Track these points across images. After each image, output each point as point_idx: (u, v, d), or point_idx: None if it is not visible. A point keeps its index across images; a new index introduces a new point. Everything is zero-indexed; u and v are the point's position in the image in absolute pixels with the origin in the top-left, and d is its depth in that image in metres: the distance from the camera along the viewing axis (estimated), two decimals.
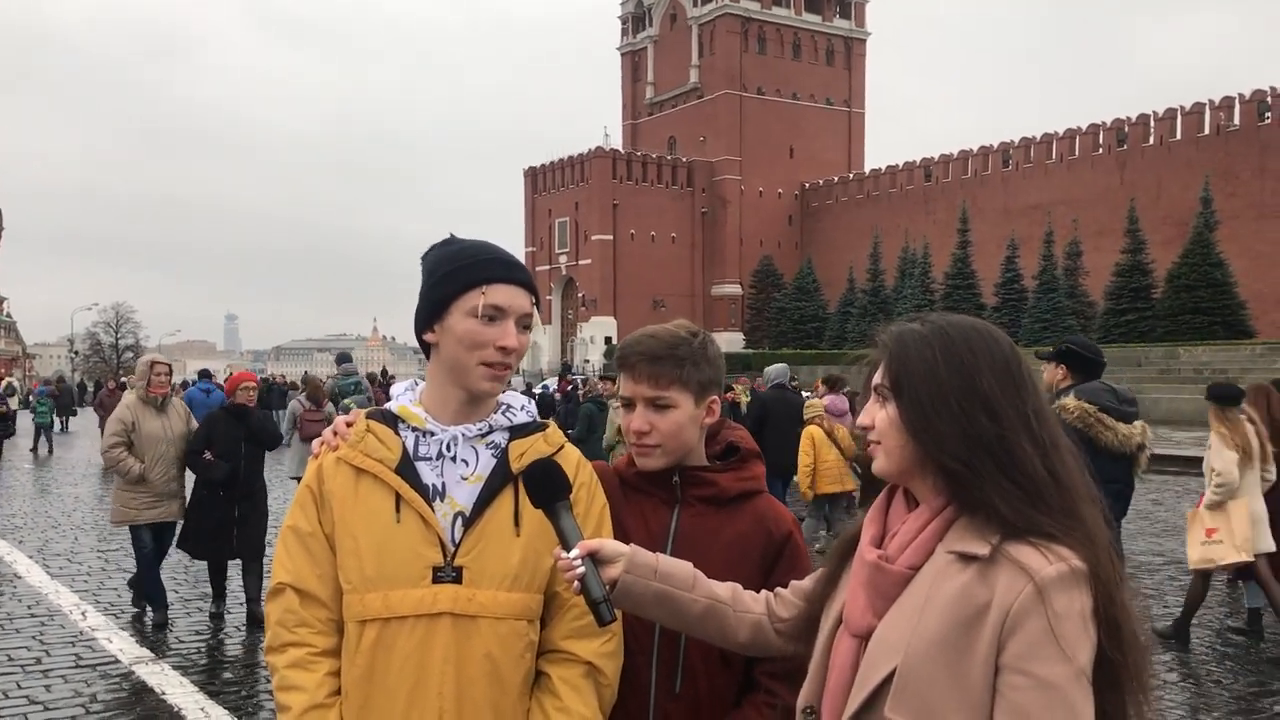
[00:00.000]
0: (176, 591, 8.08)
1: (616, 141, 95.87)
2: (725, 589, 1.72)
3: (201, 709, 5.51)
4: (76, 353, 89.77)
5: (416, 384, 1.91)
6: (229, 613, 7.54)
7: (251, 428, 7.44)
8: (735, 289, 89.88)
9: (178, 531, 7.38)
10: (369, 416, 1.84)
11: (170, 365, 7.67)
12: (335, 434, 1.85)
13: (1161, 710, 5.50)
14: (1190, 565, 6.99)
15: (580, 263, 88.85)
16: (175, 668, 6.26)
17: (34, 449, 22.80)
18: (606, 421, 9.55)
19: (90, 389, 48.44)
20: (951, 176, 79.20)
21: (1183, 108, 66.47)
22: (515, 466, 1.78)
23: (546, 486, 1.67)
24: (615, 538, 1.81)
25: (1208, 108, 65.22)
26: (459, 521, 1.75)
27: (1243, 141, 62.68)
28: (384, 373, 39.79)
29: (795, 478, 9.92)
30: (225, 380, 8.91)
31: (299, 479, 9.77)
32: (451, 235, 1.87)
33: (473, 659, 1.71)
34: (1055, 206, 66.97)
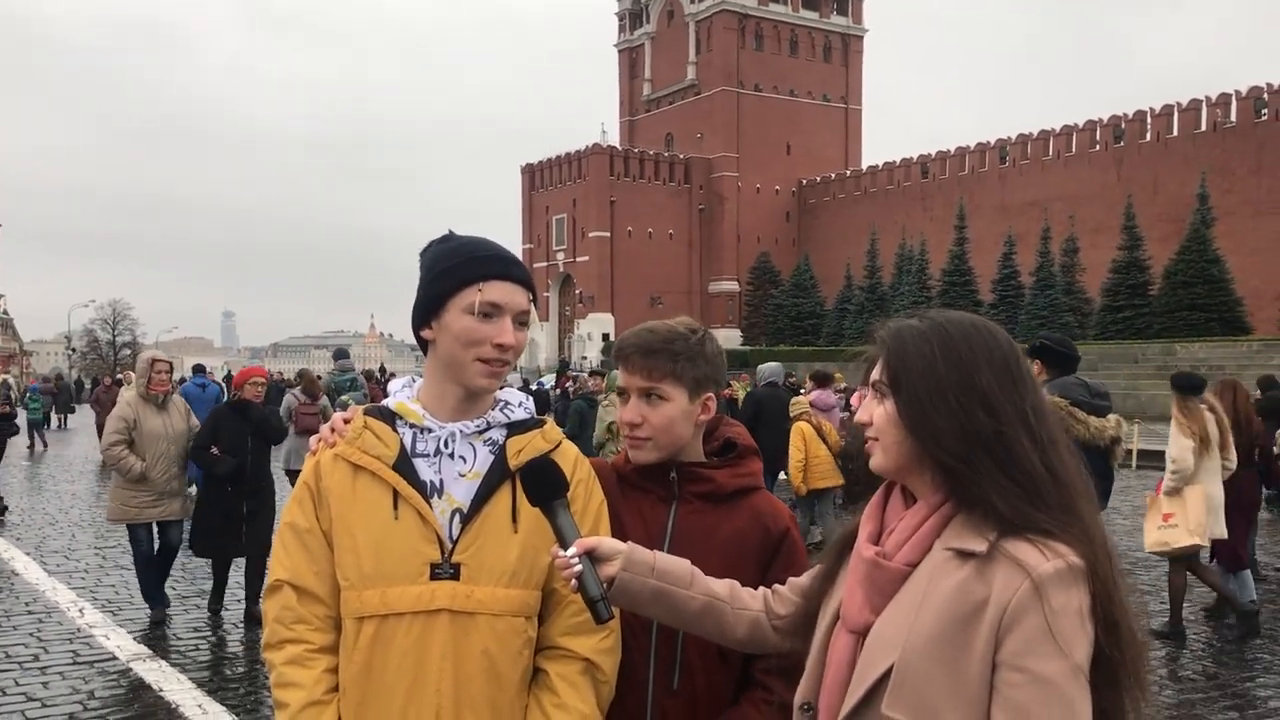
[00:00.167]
0: (174, 589, 8.07)
1: (614, 138, 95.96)
2: (723, 586, 1.72)
3: (199, 705, 5.50)
4: (74, 350, 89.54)
5: (414, 380, 1.90)
6: (226, 609, 7.53)
7: (255, 422, 7.38)
8: (732, 286, 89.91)
9: (185, 529, 7.34)
10: (367, 413, 1.84)
11: (171, 363, 7.61)
12: (333, 430, 1.85)
13: (1159, 707, 5.52)
14: (1146, 549, 7.13)
15: (578, 259, 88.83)
16: (173, 664, 6.25)
17: (30, 445, 22.78)
18: (597, 419, 9.52)
19: (87, 386, 48.40)
20: (949, 173, 79.22)
21: (1180, 104, 66.52)
22: (513, 463, 1.78)
23: (543, 485, 1.67)
24: (613, 534, 1.82)
25: (1204, 104, 65.26)
26: (457, 518, 1.75)
27: (1239, 138, 62.73)
28: (382, 370, 39.74)
29: (783, 474, 9.97)
30: (233, 376, 8.89)
31: (293, 471, 9.78)
32: (451, 231, 1.87)
33: (470, 656, 1.71)
34: (1052, 203, 67.02)
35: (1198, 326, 40.09)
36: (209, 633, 7.09)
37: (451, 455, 1.79)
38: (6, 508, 12.25)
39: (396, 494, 1.74)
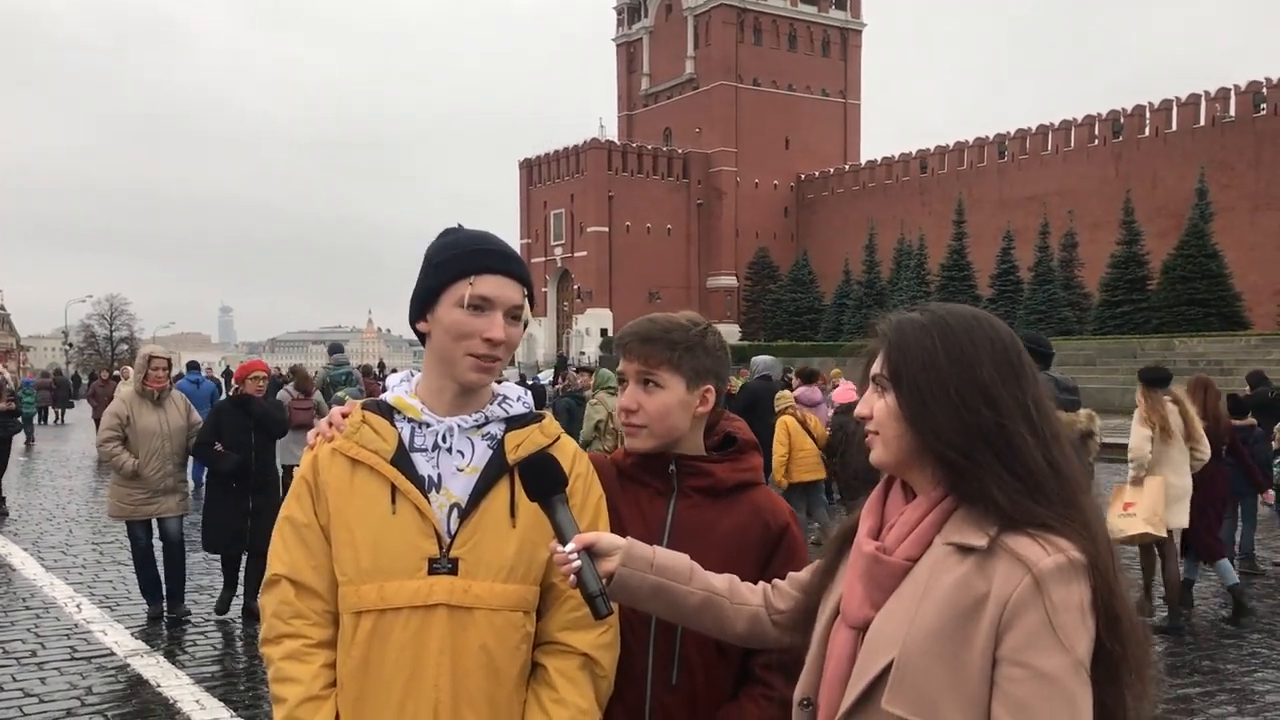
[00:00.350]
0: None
1: (612, 133, 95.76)
2: (722, 581, 1.71)
3: (197, 701, 5.50)
4: (71, 345, 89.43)
5: (412, 375, 1.90)
6: None
7: (257, 417, 7.31)
8: (731, 281, 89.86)
9: (186, 526, 7.29)
10: (365, 408, 1.83)
11: (169, 359, 7.51)
12: (331, 425, 1.84)
13: (1157, 701, 5.52)
14: None
15: (576, 255, 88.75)
16: (171, 661, 6.25)
17: (27, 441, 22.76)
18: (585, 417, 9.49)
19: (85, 381, 48.32)
20: (947, 168, 79.18)
21: (1178, 99, 66.49)
22: (511, 458, 1.77)
23: (542, 480, 1.67)
24: (612, 528, 1.81)
25: (1203, 99, 65.22)
26: (454, 513, 1.74)
27: (1238, 133, 62.73)
28: (381, 366, 39.61)
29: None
30: (233, 371, 8.88)
31: (286, 467, 9.73)
32: (459, 225, 1.86)
33: (468, 651, 1.70)
34: (1051, 198, 67.00)
35: (1196, 321, 40.11)
36: (207, 628, 7.09)
37: (449, 450, 1.78)
38: (6, 513, 12.15)
39: (394, 489, 1.74)
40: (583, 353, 70.79)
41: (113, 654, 6.34)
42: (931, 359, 1.37)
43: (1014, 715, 1.23)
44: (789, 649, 1.65)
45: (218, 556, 7.47)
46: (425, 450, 1.78)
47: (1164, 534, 6.92)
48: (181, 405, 7.36)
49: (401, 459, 1.76)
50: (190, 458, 7.43)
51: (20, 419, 15.70)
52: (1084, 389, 27.93)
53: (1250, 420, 9.35)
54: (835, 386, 11.98)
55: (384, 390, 1.89)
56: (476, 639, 1.71)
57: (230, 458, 7.06)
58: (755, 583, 1.76)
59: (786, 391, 10.55)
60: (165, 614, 7.19)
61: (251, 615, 7.06)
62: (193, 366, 17.99)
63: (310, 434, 1.88)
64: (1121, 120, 69.32)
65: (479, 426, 1.80)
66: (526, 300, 1.79)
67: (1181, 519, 7.01)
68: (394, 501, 1.73)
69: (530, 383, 28.55)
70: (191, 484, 8.04)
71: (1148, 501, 6.85)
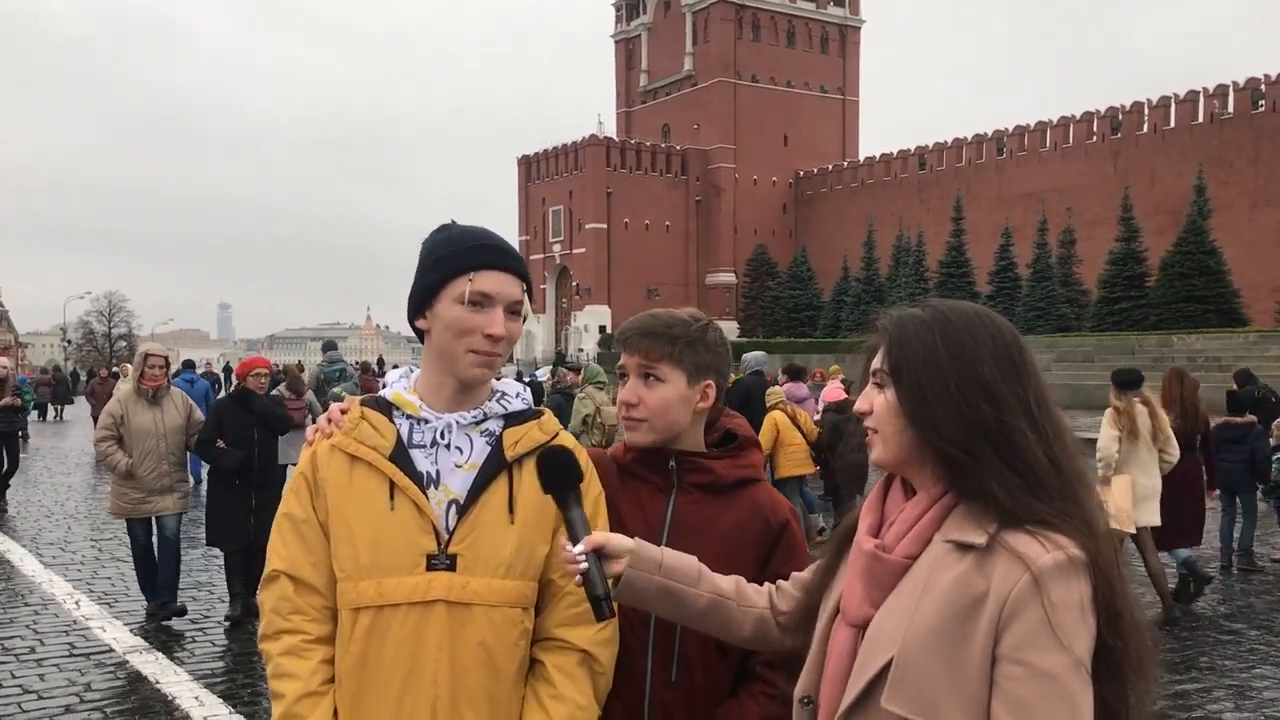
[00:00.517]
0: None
1: (610, 129, 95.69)
2: (729, 583, 1.70)
3: (196, 697, 5.50)
4: (69, 342, 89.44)
5: (411, 371, 1.90)
6: (222, 601, 7.50)
7: (259, 413, 7.27)
8: (729, 277, 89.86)
9: (186, 522, 7.26)
10: (364, 404, 1.83)
11: (166, 357, 7.43)
12: (330, 421, 1.84)
13: (1156, 697, 5.53)
14: None
15: (574, 251, 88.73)
16: (170, 657, 6.24)
17: (23, 438, 22.73)
18: (573, 412, 9.49)
19: (83, 378, 48.28)
20: (946, 164, 79.17)
21: (1177, 95, 66.48)
22: (509, 454, 1.77)
23: (561, 474, 1.66)
24: (611, 524, 1.81)
25: (1202, 95, 65.23)
26: (453, 509, 1.74)
27: (1237, 129, 62.73)
28: (380, 362, 39.56)
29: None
30: (233, 368, 8.86)
31: (281, 466, 9.71)
32: (452, 221, 1.86)
33: (467, 647, 1.70)
34: (1049, 194, 67.00)
35: (1194, 318, 40.12)
36: (206, 625, 7.08)
37: (448, 446, 1.78)
38: (4, 509, 12.16)
39: (393, 485, 1.73)
40: (581, 349, 70.84)
41: (112, 650, 6.34)
42: (932, 355, 1.37)
43: (1013, 714, 1.23)
44: (792, 650, 1.65)
45: (218, 554, 7.44)
46: (424, 446, 1.78)
47: (1132, 530, 7.04)
48: (180, 403, 7.28)
49: (400, 455, 1.75)
50: (189, 453, 7.38)
51: (23, 417, 15.66)
52: (1082, 386, 27.96)
53: (1250, 418, 9.34)
54: (831, 383, 12.04)
55: (383, 387, 1.89)
56: (475, 635, 1.70)
57: (233, 455, 7.03)
58: (755, 580, 1.76)
59: (777, 387, 10.63)
60: (158, 607, 7.14)
61: (251, 611, 7.04)
62: (188, 365, 17.89)
63: (309, 430, 1.88)
64: (1120, 117, 69.32)
65: (477, 423, 1.80)
66: (525, 295, 1.79)
67: (1151, 517, 7.14)
68: (392, 498, 1.73)
69: (528, 380, 28.56)
70: (191, 480, 8.01)
71: (1115, 499, 7.01)
